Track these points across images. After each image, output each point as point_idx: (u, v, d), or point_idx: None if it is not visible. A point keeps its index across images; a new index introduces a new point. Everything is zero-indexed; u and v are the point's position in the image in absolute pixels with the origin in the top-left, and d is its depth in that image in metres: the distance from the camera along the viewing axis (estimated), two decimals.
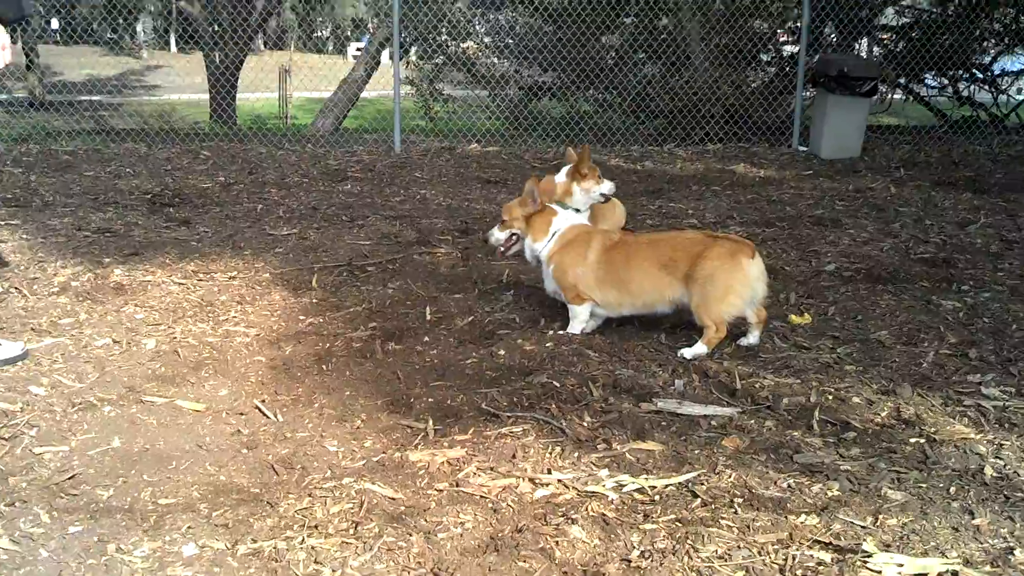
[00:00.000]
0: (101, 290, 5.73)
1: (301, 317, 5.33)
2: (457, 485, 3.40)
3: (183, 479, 3.49)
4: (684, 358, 4.59)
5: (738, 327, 4.80)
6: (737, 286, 4.58)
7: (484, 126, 13.96)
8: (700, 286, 4.59)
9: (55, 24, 20.11)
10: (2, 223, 7.50)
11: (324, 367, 4.59)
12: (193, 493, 3.39)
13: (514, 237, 5.11)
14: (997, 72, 15.11)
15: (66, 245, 6.81)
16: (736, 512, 3.15)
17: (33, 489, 3.37)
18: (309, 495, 3.35)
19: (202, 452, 3.72)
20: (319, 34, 38.07)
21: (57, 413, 4.02)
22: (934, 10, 15.43)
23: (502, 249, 5.18)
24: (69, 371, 4.49)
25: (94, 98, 18.71)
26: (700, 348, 4.62)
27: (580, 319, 4.97)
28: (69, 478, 3.47)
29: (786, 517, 3.10)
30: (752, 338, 4.80)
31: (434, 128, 14.61)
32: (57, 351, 4.74)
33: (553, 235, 5.01)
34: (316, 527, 3.12)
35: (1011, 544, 2.88)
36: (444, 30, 15.36)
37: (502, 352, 4.72)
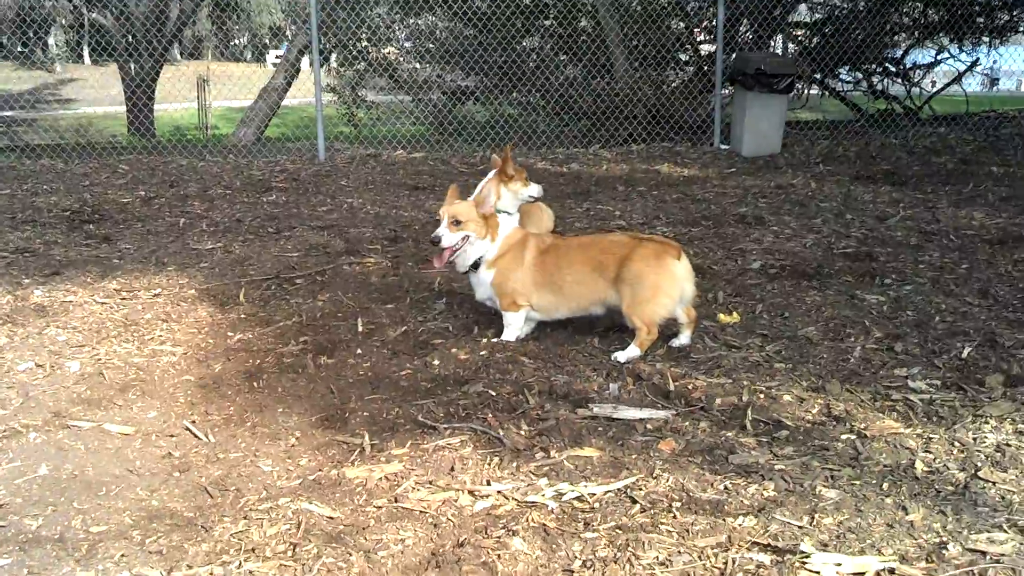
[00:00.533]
0: (21, 312, 5.57)
1: (229, 333, 5.23)
2: (396, 501, 3.36)
3: (114, 505, 3.41)
4: (618, 361, 4.61)
5: (669, 328, 4.84)
6: (665, 286, 4.62)
7: (409, 132, 13.91)
8: (629, 288, 4.63)
9: None
10: None
11: (255, 384, 4.51)
12: (125, 519, 3.31)
13: (467, 238, 4.90)
14: (909, 65, 15.50)
15: None
16: (675, 516, 3.16)
17: None
18: (244, 517, 3.29)
19: (133, 477, 3.63)
20: (236, 43, 37.54)
21: None
22: (845, 5, 15.78)
23: (447, 255, 4.90)
24: None
25: (6, 114, 18.21)
26: (633, 351, 4.65)
27: (515, 326, 4.97)
28: None
29: (724, 519, 3.13)
30: (683, 338, 4.84)
31: (358, 135, 14.50)
32: None
33: (498, 239, 4.97)
34: (253, 550, 3.06)
35: (944, 539, 2.94)
36: (364, 36, 15.26)
37: (436, 362, 4.70)
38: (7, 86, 24.75)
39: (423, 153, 12.30)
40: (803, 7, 16.40)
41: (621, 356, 4.66)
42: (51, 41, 36.26)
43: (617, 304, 4.73)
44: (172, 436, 3.99)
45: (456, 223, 4.86)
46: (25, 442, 3.91)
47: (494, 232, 4.95)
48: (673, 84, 14.54)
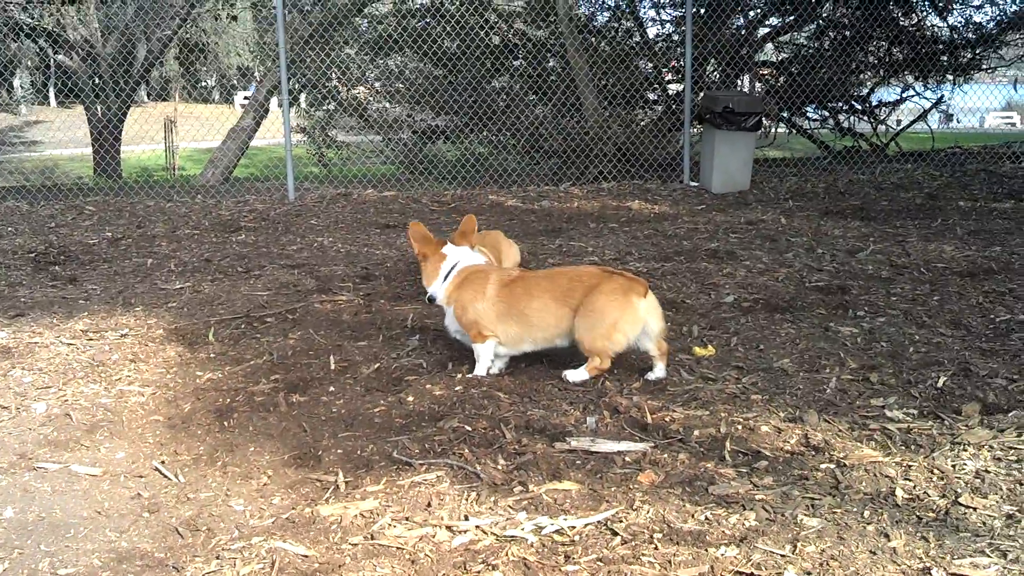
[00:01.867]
0: None
1: (199, 373, 5.15)
2: (372, 538, 3.30)
3: (83, 547, 3.32)
4: (567, 380, 4.71)
5: (644, 363, 4.82)
6: (624, 324, 4.65)
7: (380, 171, 13.90)
8: (587, 318, 4.66)
9: None
10: None
11: (226, 423, 4.43)
12: (94, 561, 3.22)
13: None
14: (875, 103, 15.71)
15: None
16: (656, 548, 3.12)
17: None
18: (217, 557, 3.21)
19: (101, 518, 3.54)
20: (204, 84, 37.50)
21: None
22: (811, 45, 16.01)
23: None
24: None
25: None
26: (582, 374, 4.74)
27: (485, 358, 4.93)
28: None
29: (706, 550, 3.09)
30: (658, 371, 4.82)
31: (328, 175, 14.47)
32: None
33: (447, 276, 5.03)
34: None
35: (927, 564, 2.92)
36: (334, 76, 15.29)
37: (411, 398, 4.64)
38: None
39: (394, 192, 12.27)
40: (769, 47, 16.62)
41: (571, 376, 4.74)
42: (16, 83, 36.08)
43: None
44: (141, 477, 3.90)
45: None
46: None
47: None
48: (642, 123, 14.65)
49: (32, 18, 18.53)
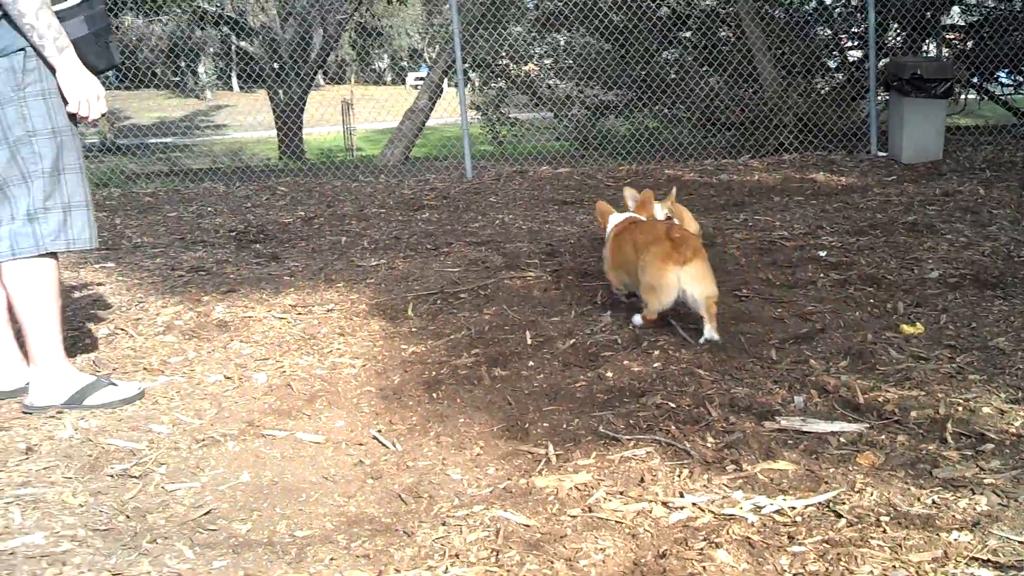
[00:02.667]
0: (205, 327, 5.80)
1: (403, 346, 5.33)
2: (590, 511, 3.35)
3: (315, 511, 3.50)
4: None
5: (845, 341, 4.70)
6: (658, 288, 4.96)
7: (553, 147, 13.97)
8: (640, 275, 5.09)
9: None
10: (97, 266, 7.65)
11: (434, 395, 4.58)
12: (327, 524, 3.39)
13: None
14: None
15: (163, 285, 6.91)
16: (884, 531, 3.05)
17: (172, 526, 3.40)
18: (443, 524, 3.33)
19: (329, 483, 3.72)
20: (376, 66, 38.51)
21: (183, 450, 4.06)
22: (1001, 7, 15.13)
23: None
24: (187, 408, 4.54)
25: (165, 140, 19.08)
26: (637, 319, 5.30)
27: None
28: (205, 513, 3.49)
29: (938, 534, 3.00)
30: (707, 333, 5.03)
31: (503, 152, 14.65)
32: (172, 389, 4.79)
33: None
34: (457, 556, 3.10)
35: None
36: (504, 54, 15.44)
37: (610, 374, 4.68)
38: (163, 114, 25.99)
39: (568, 168, 12.32)
40: (955, 9, 15.80)
41: (635, 320, 5.31)
42: (201, 70, 37.91)
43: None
44: (361, 444, 4.08)
45: None
46: (224, 450, 4.06)
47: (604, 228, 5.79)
48: (823, 91, 14.21)
49: (215, 6, 19.40)
